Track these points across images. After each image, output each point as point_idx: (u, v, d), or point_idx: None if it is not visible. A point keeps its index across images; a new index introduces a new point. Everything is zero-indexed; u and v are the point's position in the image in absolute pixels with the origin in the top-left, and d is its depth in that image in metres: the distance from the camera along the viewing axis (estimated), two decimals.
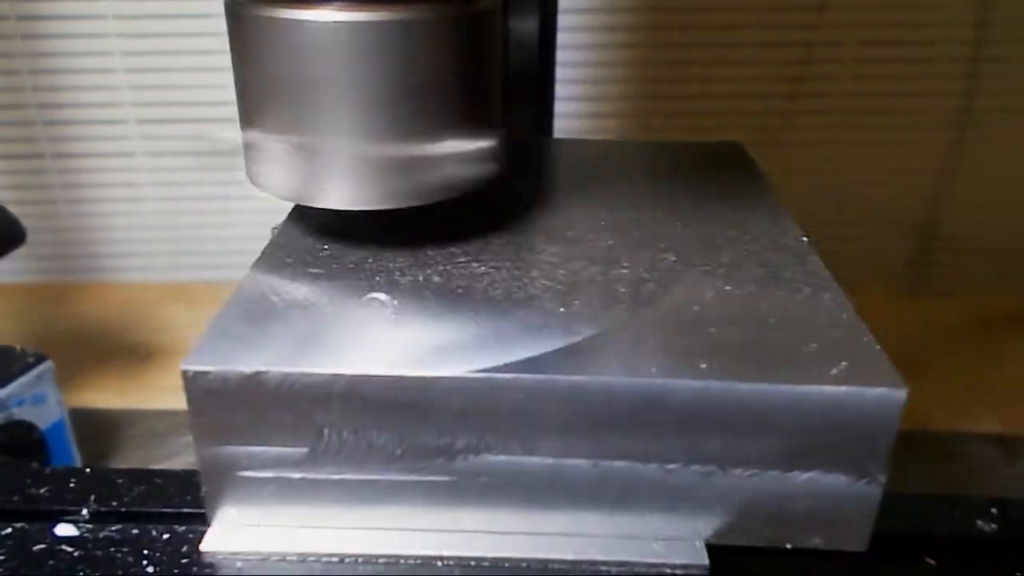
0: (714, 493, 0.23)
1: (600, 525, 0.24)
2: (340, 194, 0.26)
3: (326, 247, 0.29)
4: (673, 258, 0.29)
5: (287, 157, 0.26)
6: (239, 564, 0.24)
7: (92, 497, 0.35)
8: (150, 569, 0.32)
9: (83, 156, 0.86)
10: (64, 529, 0.35)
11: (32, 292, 0.91)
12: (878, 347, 0.23)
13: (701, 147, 0.40)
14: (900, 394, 0.21)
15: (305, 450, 0.23)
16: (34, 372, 0.55)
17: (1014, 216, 0.90)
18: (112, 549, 0.33)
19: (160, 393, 0.72)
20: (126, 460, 0.65)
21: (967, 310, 0.88)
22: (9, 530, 0.34)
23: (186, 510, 0.30)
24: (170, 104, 0.82)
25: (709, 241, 0.30)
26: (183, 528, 0.31)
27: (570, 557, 0.24)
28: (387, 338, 0.23)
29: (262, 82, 0.25)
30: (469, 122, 0.27)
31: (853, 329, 0.24)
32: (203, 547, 0.24)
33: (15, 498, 0.35)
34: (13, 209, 0.56)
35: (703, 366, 0.22)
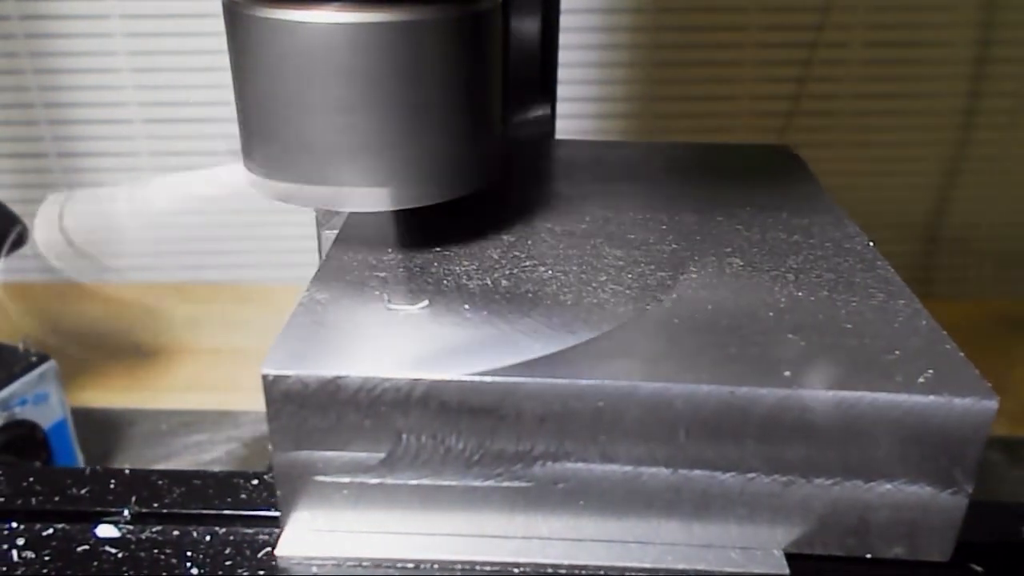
0: (794, 502, 0.23)
1: (677, 533, 0.23)
2: (338, 196, 0.26)
3: (389, 250, 0.29)
4: (740, 262, 0.28)
5: (283, 160, 0.26)
6: (314, 569, 0.23)
7: (133, 498, 0.35)
8: (194, 571, 0.32)
9: (88, 156, 0.86)
10: (105, 530, 0.35)
11: (35, 291, 0.91)
12: (962, 355, 0.23)
13: (750, 150, 0.40)
14: (991, 404, 0.21)
15: (382, 455, 0.23)
16: (36, 372, 0.55)
17: (1023, 218, 0.89)
18: (155, 551, 0.34)
19: (161, 393, 0.73)
20: (128, 459, 0.65)
21: (975, 313, 0.87)
22: (51, 531, 0.34)
23: (226, 512, 0.30)
24: (175, 104, 0.82)
25: (774, 246, 0.30)
26: (223, 530, 0.31)
27: (647, 565, 0.23)
28: (465, 342, 0.23)
29: (259, 85, 0.25)
30: (471, 122, 0.27)
31: (934, 336, 0.24)
32: (278, 551, 0.24)
33: (56, 499, 0.35)
34: (17, 208, 0.56)
35: (787, 374, 0.22)
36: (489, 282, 0.27)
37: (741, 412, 0.22)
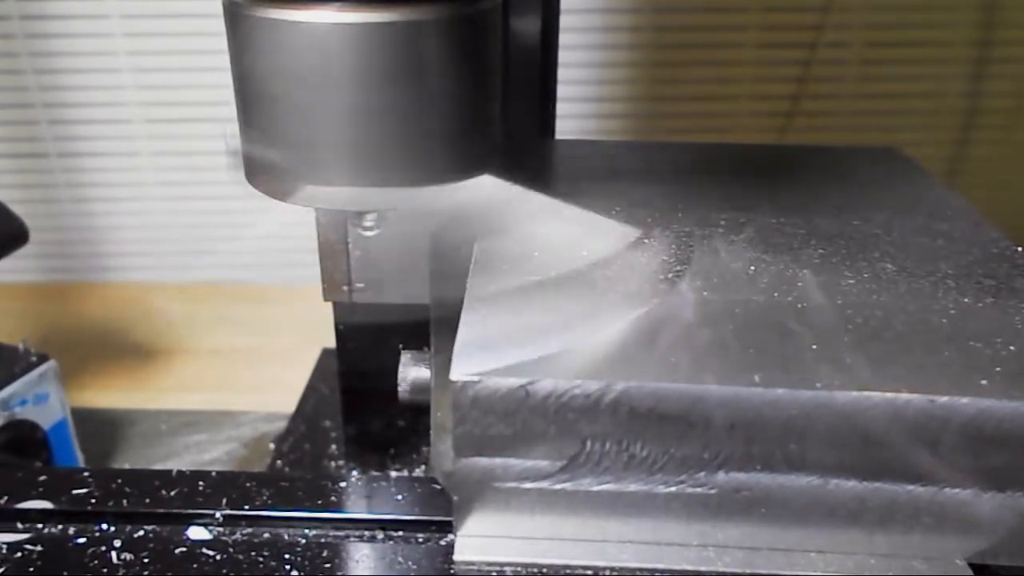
0: (984, 513, 0.22)
1: (859, 543, 0.23)
2: (335, 195, 0.26)
3: (536, 253, 0.28)
4: (892, 268, 0.28)
5: (282, 159, 0.25)
6: (493, 574, 0.23)
7: (223, 500, 0.35)
8: (294, 573, 0.32)
9: (88, 155, 0.86)
10: (196, 532, 0.35)
11: (36, 292, 0.92)
12: None
13: (859, 153, 0.39)
14: None
15: (563, 461, 0.23)
16: (37, 372, 0.55)
17: (1022, 220, 0.88)
18: (252, 553, 0.33)
19: (162, 393, 0.73)
20: (128, 460, 0.65)
21: None
22: (141, 532, 0.34)
23: (317, 515, 0.30)
24: (176, 104, 0.82)
25: (921, 251, 0.29)
26: (313, 532, 0.31)
27: (827, 574, 0.23)
28: (653, 345, 0.23)
29: (258, 84, 0.25)
30: (469, 121, 0.27)
31: None
32: (456, 556, 0.23)
33: (147, 501, 0.35)
34: (18, 208, 0.56)
35: (984, 382, 0.22)
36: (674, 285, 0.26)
37: (941, 421, 0.21)
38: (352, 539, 0.30)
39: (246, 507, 0.35)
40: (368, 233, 0.38)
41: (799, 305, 0.25)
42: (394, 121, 0.24)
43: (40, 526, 0.34)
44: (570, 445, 0.22)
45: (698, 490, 0.23)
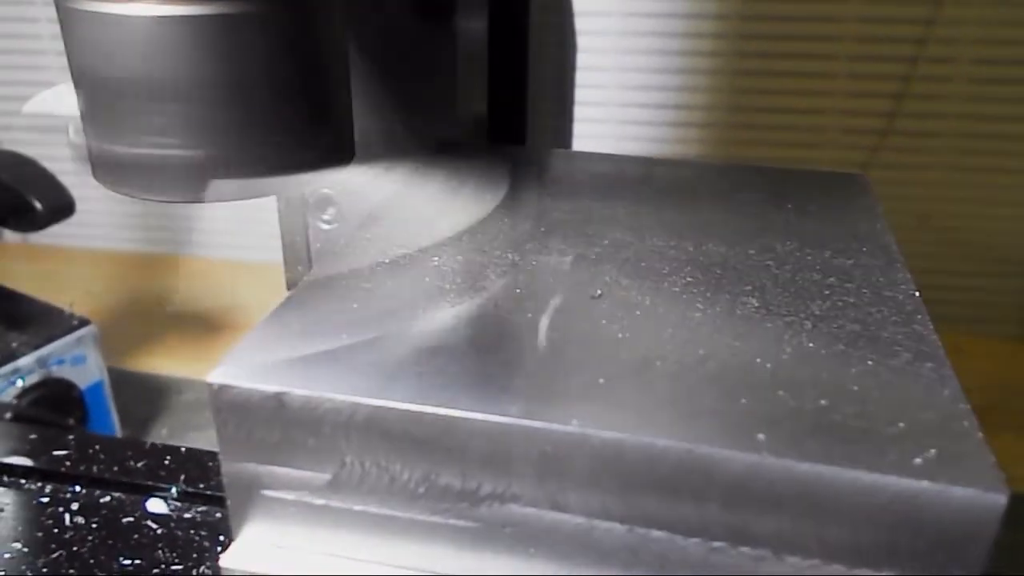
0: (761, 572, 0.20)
1: None
2: (170, 188, 0.26)
3: (390, 258, 0.28)
4: (755, 304, 0.26)
5: (113, 152, 0.25)
6: None
7: (182, 476, 0.37)
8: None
9: None
10: (155, 505, 0.36)
11: (114, 260, 0.96)
12: (980, 435, 0.20)
13: (814, 177, 0.37)
14: (998, 498, 0.18)
15: (328, 476, 0.22)
16: (76, 335, 0.58)
17: None
18: (192, 531, 0.34)
19: (213, 365, 0.76)
20: (166, 425, 0.68)
21: None
22: (108, 498, 0.36)
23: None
24: None
25: (802, 287, 0.27)
26: None
27: None
28: (426, 366, 0.22)
29: (84, 76, 0.25)
30: (298, 118, 0.26)
31: (952, 410, 0.21)
32: (223, 563, 0.23)
33: (115, 468, 0.37)
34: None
35: (761, 437, 0.19)
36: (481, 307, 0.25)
37: (703, 474, 0.19)
38: None
39: (201, 485, 0.36)
40: (326, 227, 0.39)
41: (620, 335, 0.24)
42: (218, 118, 0.25)
43: (23, 482, 0.37)
44: (331, 460, 0.22)
45: (461, 522, 0.22)
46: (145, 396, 0.73)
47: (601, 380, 0.22)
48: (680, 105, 0.84)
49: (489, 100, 0.41)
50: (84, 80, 0.25)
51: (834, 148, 0.82)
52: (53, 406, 0.58)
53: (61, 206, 0.60)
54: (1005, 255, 0.83)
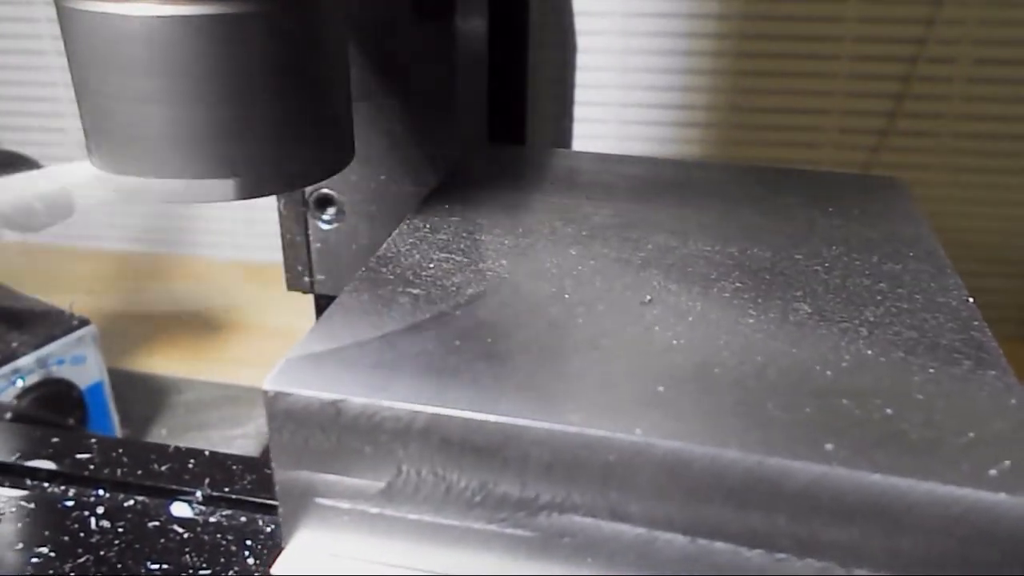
0: None
1: None
2: (170, 188, 0.25)
3: (436, 262, 0.28)
4: (808, 310, 0.25)
5: (126, 156, 0.25)
6: None
7: (207, 480, 0.36)
8: (250, 561, 0.33)
9: None
10: (179, 509, 0.36)
11: (116, 260, 0.96)
12: None
13: (851, 180, 0.36)
14: None
15: (382, 485, 0.22)
16: (76, 335, 0.58)
17: None
18: (218, 536, 0.34)
19: (216, 365, 0.75)
20: (166, 425, 0.68)
21: None
22: (132, 502, 0.36)
23: None
24: None
25: (854, 293, 0.26)
26: None
27: None
28: (481, 373, 0.22)
29: (84, 80, 0.25)
30: (298, 118, 0.26)
31: (1022, 419, 0.20)
32: (274, 570, 0.23)
33: (138, 472, 0.37)
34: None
35: (829, 447, 0.19)
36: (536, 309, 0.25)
37: (771, 485, 0.19)
38: None
39: (226, 489, 0.36)
40: (326, 227, 0.38)
41: (674, 342, 0.23)
42: (210, 113, 0.25)
43: (46, 485, 0.37)
44: (387, 468, 0.22)
45: (519, 531, 0.21)
46: (145, 396, 0.73)
47: (660, 388, 0.21)
48: (680, 105, 0.84)
49: (489, 100, 0.41)
50: (82, 80, 0.25)
51: (834, 148, 0.82)
52: (53, 406, 0.58)
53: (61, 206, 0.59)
54: (1005, 255, 0.82)
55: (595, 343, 0.23)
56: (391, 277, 0.27)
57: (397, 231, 0.30)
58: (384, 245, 0.29)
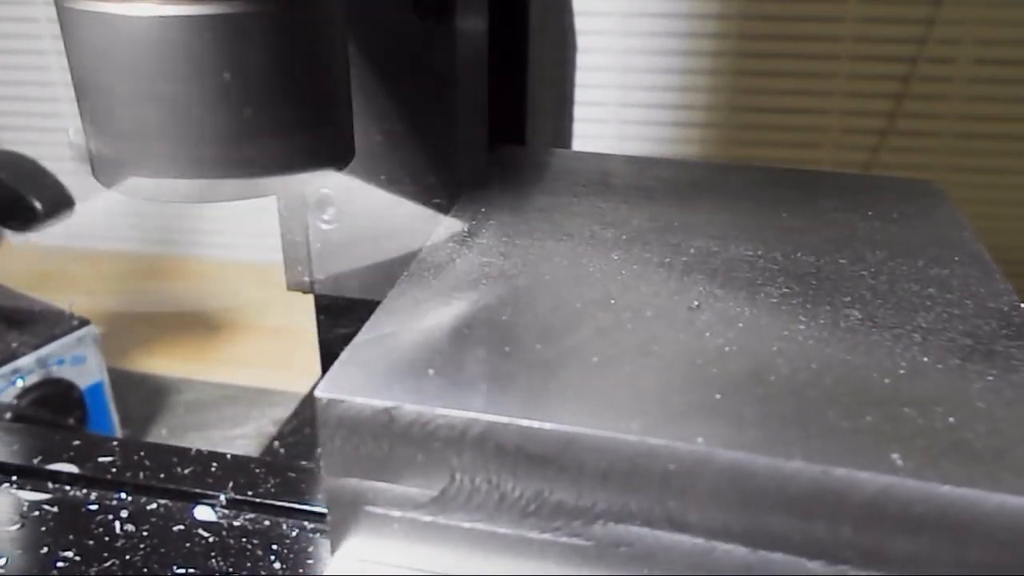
0: None
1: None
2: (170, 188, 0.25)
3: (477, 266, 0.27)
4: (859, 316, 0.25)
5: (108, 151, 0.25)
6: None
7: (230, 484, 0.36)
8: (276, 565, 0.32)
9: None
10: (203, 512, 0.35)
11: (118, 260, 0.95)
12: None
13: (887, 183, 0.36)
14: None
15: (435, 493, 0.21)
16: (76, 335, 0.57)
17: None
18: (243, 539, 0.34)
19: (216, 365, 0.75)
20: (166, 425, 0.68)
21: None
22: (155, 506, 0.35)
23: (318, 508, 0.29)
24: None
25: (903, 298, 0.26)
26: (311, 526, 0.30)
27: None
28: (534, 380, 0.21)
29: (82, 76, 0.25)
30: (298, 118, 0.26)
31: None
32: None
33: (161, 475, 0.37)
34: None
35: (895, 457, 0.19)
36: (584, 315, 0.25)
37: (837, 496, 0.19)
38: None
39: (249, 492, 0.36)
40: (326, 227, 0.38)
41: (726, 348, 0.23)
42: (201, 113, 0.24)
43: (68, 488, 0.36)
44: (440, 476, 0.21)
45: (574, 540, 0.21)
46: (145, 396, 0.73)
47: (717, 396, 0.21)
48: (680, 105, 0.83)
49: (489, 100, 0.40)
50: (84, 81, 0.25)
51: (834, 148, 0.82)
52: (53, 406, 0.58)
53: (61, 206, 0.59)
54: (1005, 255, 0.82)
55: (646, 349, 0.23)
56: (434, 281, 0.26)
57: (435, 234, 0.30)
58: (423, 249, 0.29)
